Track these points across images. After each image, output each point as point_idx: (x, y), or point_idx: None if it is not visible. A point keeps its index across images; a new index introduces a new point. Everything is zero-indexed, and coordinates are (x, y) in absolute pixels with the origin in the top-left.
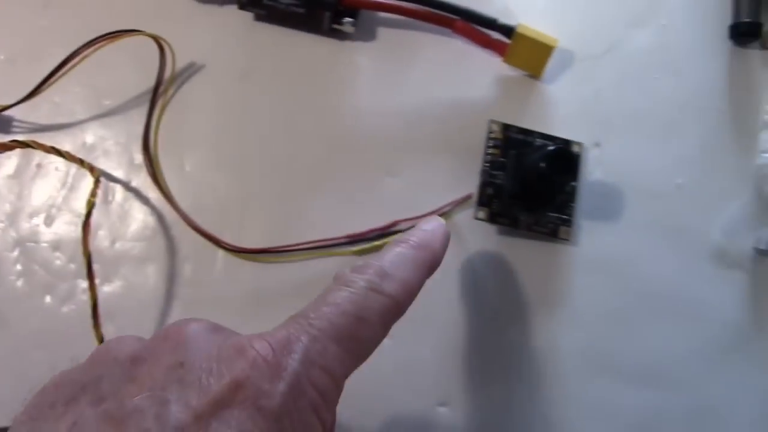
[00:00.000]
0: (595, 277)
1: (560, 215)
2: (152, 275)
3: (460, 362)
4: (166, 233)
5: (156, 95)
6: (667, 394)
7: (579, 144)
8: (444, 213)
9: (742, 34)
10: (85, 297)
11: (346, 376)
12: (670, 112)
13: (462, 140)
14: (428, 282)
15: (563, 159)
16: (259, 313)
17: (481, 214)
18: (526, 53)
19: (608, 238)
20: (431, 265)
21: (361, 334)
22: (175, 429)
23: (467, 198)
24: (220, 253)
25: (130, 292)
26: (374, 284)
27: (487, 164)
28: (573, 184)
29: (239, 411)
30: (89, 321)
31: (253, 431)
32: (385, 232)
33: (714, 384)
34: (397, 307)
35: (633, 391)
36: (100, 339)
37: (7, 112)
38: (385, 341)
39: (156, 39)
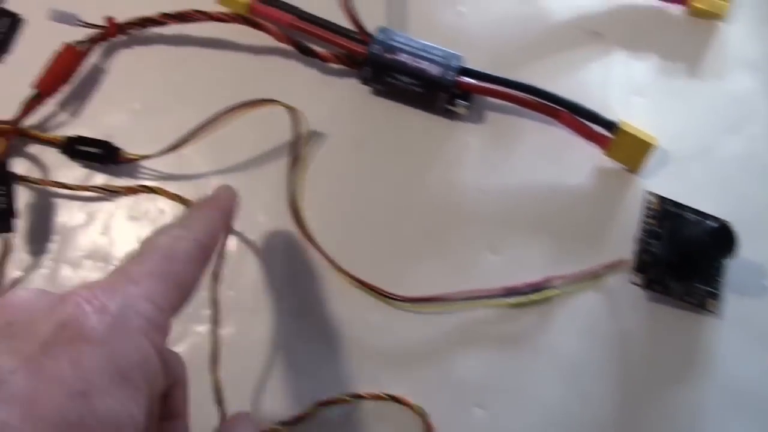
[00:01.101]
0: (740, 348)
1: (708, 288)
2: (286, 320)
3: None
4: (303, 284)
5: (293, 158)
6: None
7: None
8: (596, 275)
9: None
10: (197, 339)
11: (172, 307)
12: (762, 213)
13: (561, 222)
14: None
15: (726, 236)
16: (410, 363)
17: (638, 280)
18: (626, 148)
19: (753, 311)
20: (222, 215)
21: (173, 268)
22: (5, 374)
23: (619, 264)
24: (368, 300)
25: (262, 338)
26: (175, 234)
27: (644, 233)
28: (723, 259)
29: (67, 346)
30: (198, 362)
31: (82, 360)
32: (540, 286)
33: None
34: (200, 246)
35: None
36: (216, 382)
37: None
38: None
39: (291, 109)
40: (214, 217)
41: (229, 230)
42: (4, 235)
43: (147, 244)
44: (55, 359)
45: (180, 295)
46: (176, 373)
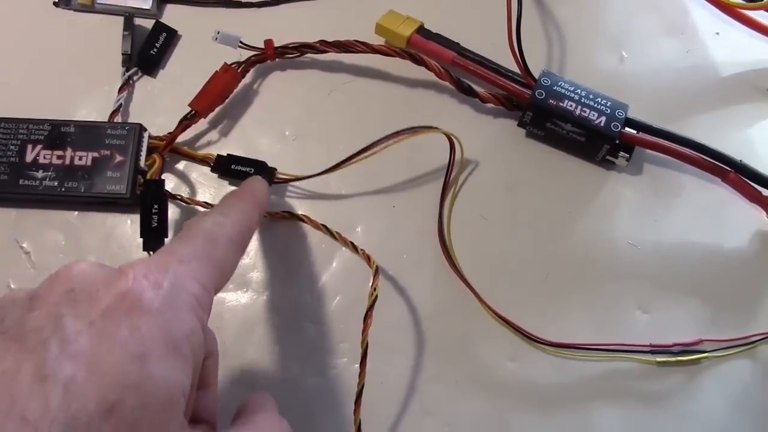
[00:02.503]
0: None
1: None
2: (432, 358)
3: None
4: (446, 319)
5: (446, 189)
6: None
7: None
8: (751, 343)
9: None
10: (333, 373)
11: (215, 287)
12: None
13: (717, 285)
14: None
15: None
16: (549, 408)
17: None
18: None
19: None
20: (258, 206)
21: (216, 252)
22: (71, 335)
23: None
24: (511, 341)
25: (400, 376)
26: (217, 221)
27: None
28: None
29: (126, 314)
30: (334, 399)
31: (140, 328)
32: (690, 348)
33: None
34: (239, 233)
35: None
36: (357, 425)
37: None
38: None
39: (449, 136)
40: (250, 208)
41: (260, 222)
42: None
43: (192, 228)
44: (116, 325)
45: (221, 277)
46: (210, 346)
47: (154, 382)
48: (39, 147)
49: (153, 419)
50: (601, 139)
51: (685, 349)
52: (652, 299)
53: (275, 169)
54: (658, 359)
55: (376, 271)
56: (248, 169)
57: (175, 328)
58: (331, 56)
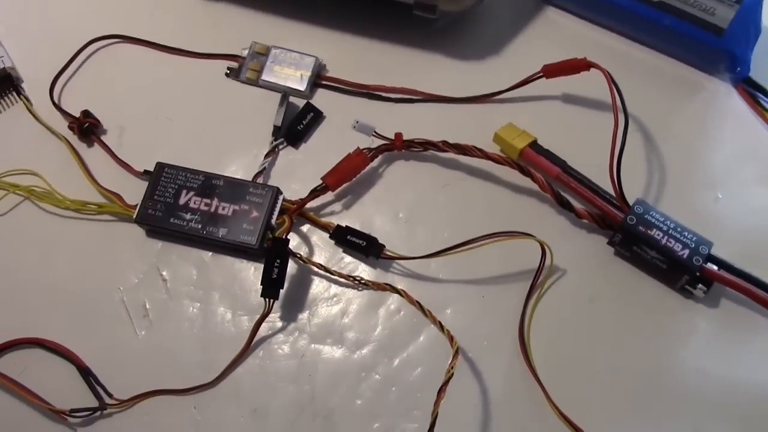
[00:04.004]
0: None
1: None
2: None
3: None
4: (514, 411)
5: (532, 290)
6: None
7: None
8: None
9: None
10: None
11: None
12: None
13: None
14: None
15: None
16: None
17: None
18: None
19: None
20: None
21: None
22: None
23: None
24: None
25: None
26: None
27: None
28: None
29: None
30: None
31: None
32: None
33: None
34: None
35: None
36: None
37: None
38: None
39: (542, 245)
40: None
41: None
42: (270, 300)
43: None
44: None
45: None
46: None
47: None
48: (192, 193)
49: None
50: (682, 270)
51: None
52: (708, 425)
53: (384, 246)
54: None
55: (456, 351)
56: (361, 242)
57: None
58: (450, 155)
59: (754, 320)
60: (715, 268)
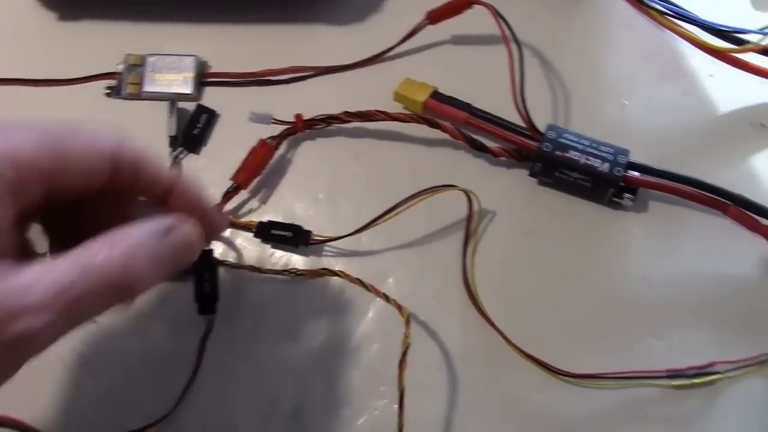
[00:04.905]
0: None
1: None
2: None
3: None
4: (476, 360)
5: (467, 240)
6: None
7: None
8: (763, 362)
9: None
10: (377, 414)
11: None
12: None
13: (726, 310)
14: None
15: None
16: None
17: None
18: None
19: None
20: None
21: (59, 144)
22: None
23: None
24: (538, 376)
25: (437, 414)
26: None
27: None
28: None
29: None
30: None
31: None
32: (704, 371)
33: None
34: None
35: None
36: None
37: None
38: None
39: (466, 192)
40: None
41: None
42: (208, 315)
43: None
44: None
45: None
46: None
47: None
48: None
49: None
50: (606, 184)
51: (700, 372)
52: (666, 327)
53: (311, 232)
54: (674, 383)
55: (408, 320)
56: (287, 233)
57: None
58: (355, 124)
59: (684, 215)
60: (637, 174)
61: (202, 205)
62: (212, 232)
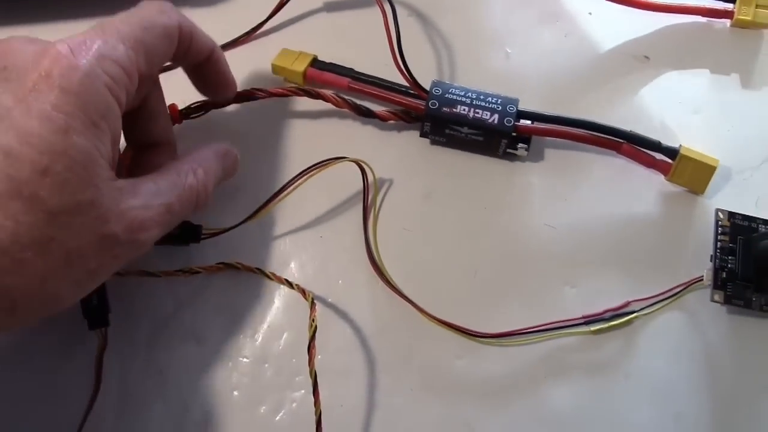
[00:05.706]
0: None
1: None
2: (381, 372)
3: None
4: (391, 335)
5: (366, 212)
6: None
7: None
8: (675, 295)
9: None
10: (294, 407)
11: (139, 72)
12: None
13: (633, 249)
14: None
15: None
16: (501, 398)
17: (717, 297)
18: (689, 173)
19: None
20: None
21: (145, 37)
22: (4, 110)
23: (696, 281)
24: (456, 341)
25: (357, 396)
26: (158, 7)
27: (718, 250)
28: None
29: (48, 92)
30: (301, 428)
31: (62, 106)
32: (620, 311)
33: None
34: (178, 26)
35: None
36: None
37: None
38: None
39: (358, 163)
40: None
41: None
42: (101, 329)
43: (133, 14)
44: (42, 102)
45: (147, 62)
46: (147, 87)
47: (76, 150)
48: None
49: (79, 177)
50: (498, 136)
51: (616, 313)
52: (577, 274)
53: (201, 226)
54: (592, 328)
55: (312, 303)
56: (174, 231)
57: (91, 106)
58: (235, 107)
59: (580, 158)
60: (528, 122)
61: (228, 71)
62: None
